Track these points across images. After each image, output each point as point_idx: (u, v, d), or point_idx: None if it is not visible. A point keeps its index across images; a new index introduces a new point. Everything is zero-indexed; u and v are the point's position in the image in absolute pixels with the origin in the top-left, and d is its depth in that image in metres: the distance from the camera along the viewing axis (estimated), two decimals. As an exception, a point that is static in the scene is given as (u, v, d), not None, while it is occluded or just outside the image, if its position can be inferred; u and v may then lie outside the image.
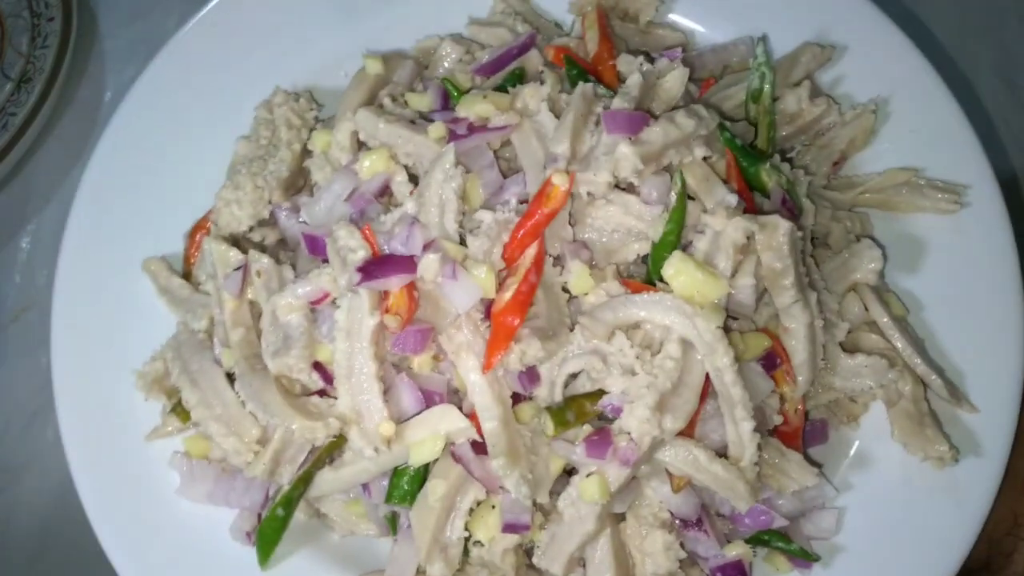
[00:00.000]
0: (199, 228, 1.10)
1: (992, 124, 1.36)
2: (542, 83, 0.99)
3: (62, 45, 1.42)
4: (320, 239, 0.95)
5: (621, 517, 0.93)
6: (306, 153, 1.10)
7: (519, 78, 1.06)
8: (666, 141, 0.90)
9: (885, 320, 0.99)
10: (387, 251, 0.90)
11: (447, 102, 1.05)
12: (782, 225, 0.90)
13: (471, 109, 0.97)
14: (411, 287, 0.87)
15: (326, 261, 0.94)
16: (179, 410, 1.02)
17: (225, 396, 0.95)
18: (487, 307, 0.88)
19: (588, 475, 0.85)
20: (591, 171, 0.89)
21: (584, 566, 0.91)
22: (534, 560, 0.91)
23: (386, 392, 0.88)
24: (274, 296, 0.94)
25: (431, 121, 0.99)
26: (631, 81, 0.96)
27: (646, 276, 0.92)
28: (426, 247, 0.88)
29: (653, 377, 0.84)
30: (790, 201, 0.97)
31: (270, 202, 1.07)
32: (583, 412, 0.88)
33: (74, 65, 1.45)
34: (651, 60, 1.05)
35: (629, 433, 0.84)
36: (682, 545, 0.91)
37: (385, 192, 0.98)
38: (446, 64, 1.12)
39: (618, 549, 0.90)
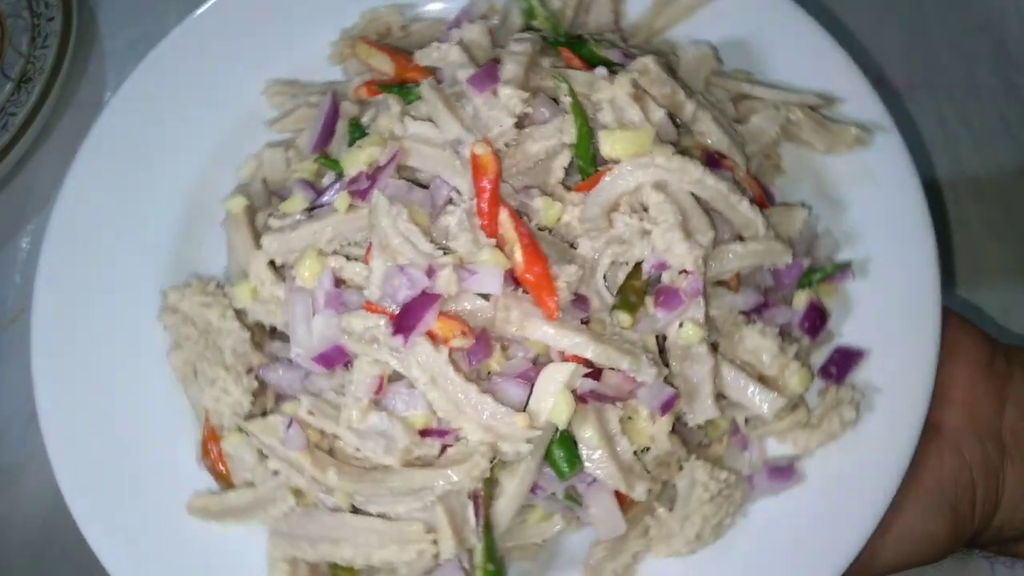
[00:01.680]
0: (209, 441, 1.01)
1: (992, 124, 1.36)
2: (388, 109, 1.02)
3: (62, 45, 1.42)
4: (331, 354, 0.93)
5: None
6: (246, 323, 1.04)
7: (358, 128, 1.04)
8: (518, 69, 0.98)
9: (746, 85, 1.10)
10: (397, 308, 0.90)
11: (313, 188, 1.04)
12: (648, 60, 1.01)
13: (358, 163, 0.97)
14: (444, 313, 0.89)
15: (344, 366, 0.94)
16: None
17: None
18: (512, 278, 0.90)
19: (680, 327, 0.92)
20: (492, 131, 0.95)
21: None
22: (688, 421, 0.94)
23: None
24: (343, 415, 0.91)
25: (316, 207, 1.00)
26: (452, 54, 1.04)
27: (585, 175, 0.97)
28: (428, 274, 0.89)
29: (664, 220, 0.92)
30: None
31: (250, 371, 1.01)
32: (637, 290, 0.93)
33: (74, 65, 1.45)
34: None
35: (683, 270, 0.91)
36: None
37: (340, 283, 0.97)
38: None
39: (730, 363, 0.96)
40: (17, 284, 1.37)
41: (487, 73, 0.97)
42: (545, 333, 0.89)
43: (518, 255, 0.90)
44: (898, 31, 1.44)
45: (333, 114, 1.09)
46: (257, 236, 1.02)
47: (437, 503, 0.88)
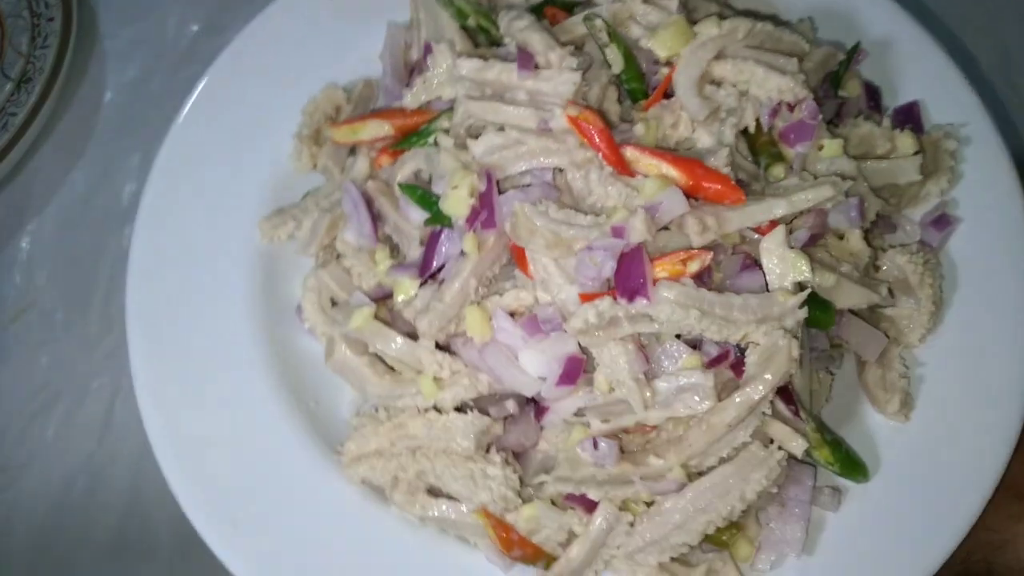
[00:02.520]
0: (503, 532, 0.93)
1: (992, 124, 1.36)
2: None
3: (62, 45, 1.42)
4: (569, 369, 0.91)
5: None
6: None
7: (415, 189, 1.02)
8: (542, 33, 1.01)
9: None
10: (611, 282, 0.90)
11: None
12: None
13: (463, 201, 0.94)
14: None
15: None
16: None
17: None
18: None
19: (821, 150, 0.99)
20: (566, 95, 0.95)
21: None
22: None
23: None
24: (636, 406, 0.89)
25: (434, 274, 0.99)
26: (464, 67, 1.01)
27: (637, 96, 1.00)
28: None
29: (749, 73, 0.98)
30: None
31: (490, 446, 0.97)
32: (768, 143, 1.01)
33: (74, 65, 1.44)
34: None
35: (790, 104, 0.98)
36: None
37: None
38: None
39: None
40: (17, 284, 1.37)
41: (521, 56, 0.96)
42: (747, 215, 0.90)
43: (672, 172, 0.90)
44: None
45: (365, 201, 1.04)
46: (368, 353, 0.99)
47: (770, 420, 0.90)
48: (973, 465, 0.93)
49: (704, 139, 0.96)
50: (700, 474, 0.89)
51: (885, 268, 1.00)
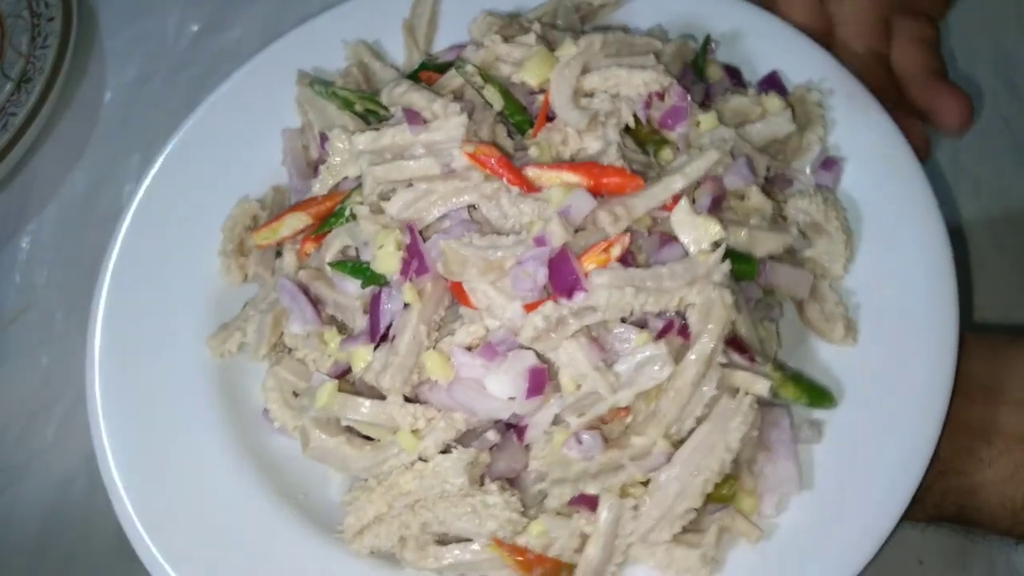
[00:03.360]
0: (519, 556, 0.93)
1: (992, 124, 1.36)
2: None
3: (62, 45, 1.42)
4: (534, 382, 0.94)
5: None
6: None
7: (346, 264, 1.05)
8: (420, 91, 1.08)
9: None
10: (547, 289, 0.94)
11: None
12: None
13: (392, 256, 0.99)
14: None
15: None
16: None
17: None
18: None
19: (698, 125, 1.05)
20: (455, 138, 1.01)
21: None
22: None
23: None
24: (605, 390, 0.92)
25: (385, 337, 1.01)
26: (361, 141, 1.07)
27: (524, 128, 1.08)
28: None
29: (614, 76, 1.06)
30: None
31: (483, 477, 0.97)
32: (648, 133, 1.07)
33: (74, 65, 1.45)
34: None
35: (658, 93, 1.04)
36: None
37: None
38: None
39: None
40: (17, 284, 1.37)
41: (409, 116, 1.02)
42: (651, 197, 0.97)
43: (572, 177, 0.97)
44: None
45: (301, 291, 1.06)
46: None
47: (731, 372, 0.94)
48: (925, 379, 0.96)
49: (593, 144, 1.02)
50: (683, 441, 0.92)
51: (791, 215, 1.07)
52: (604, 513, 0.90)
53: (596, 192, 0.96)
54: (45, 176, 1.43)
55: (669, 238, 0.97)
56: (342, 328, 1.07)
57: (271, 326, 1.07)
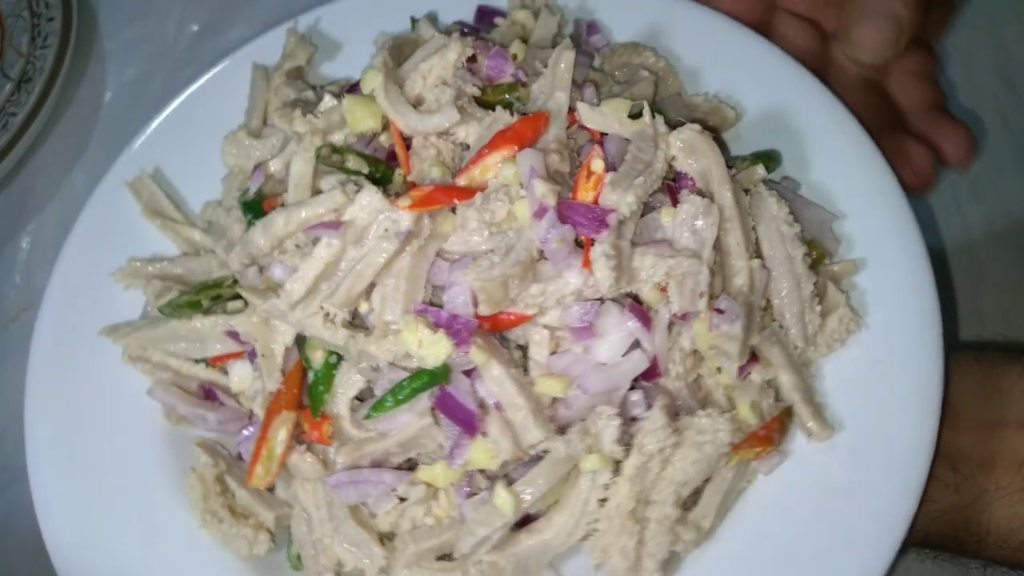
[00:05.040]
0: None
1: (992, 125, 1.36)
2: None
3: (62, 45, 1.42)
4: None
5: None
6: None
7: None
8: (317, 206, 0.98)
9: None
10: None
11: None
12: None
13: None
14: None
15: None
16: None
17: None
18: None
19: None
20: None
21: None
22: None
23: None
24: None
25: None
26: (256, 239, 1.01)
27: None
28: None
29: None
30: None
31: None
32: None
33: (74, 65, 1.45)
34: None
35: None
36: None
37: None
38: None
39: None
40: (17, 284, 1.37)
41: (326, 224, 0.95)
42: (563, 116, 0.99)
43: (504, 152, 0.94)
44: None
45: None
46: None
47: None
48: (913, 406, 0.92)
49: (468, 130, 1.00)
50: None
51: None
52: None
53: (526, 146, 0.93)
54: (45, 176, 1.43)
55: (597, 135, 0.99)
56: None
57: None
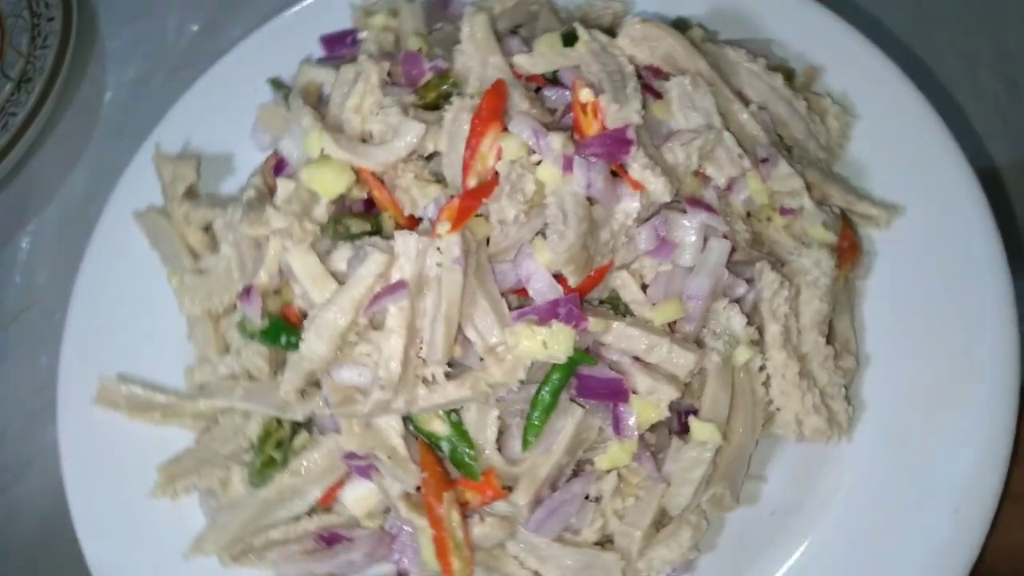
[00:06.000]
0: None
1: (992, 125, 1.36)
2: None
3: (62, 45, 1.42)
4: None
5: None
6: None
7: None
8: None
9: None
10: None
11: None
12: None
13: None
14: None
15: None
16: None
17: None
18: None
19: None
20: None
21: None
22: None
23: None
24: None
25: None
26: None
27: None
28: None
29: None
30: None
31: None
32: None
33: (74, 65, 1.45)
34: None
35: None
36: None
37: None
38: None
39: None
40: (17, 284, 1.37)
41: (386, 291, 0.89)
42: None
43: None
44: (898, 31, 1.44)
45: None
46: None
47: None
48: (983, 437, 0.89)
49: (438, 136, 0.95)
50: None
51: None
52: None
53: (497, 116, 0.90)
54: (45, 176, 1.43)
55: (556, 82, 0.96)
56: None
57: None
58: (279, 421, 0.96)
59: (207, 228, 1.11)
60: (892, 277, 0.98)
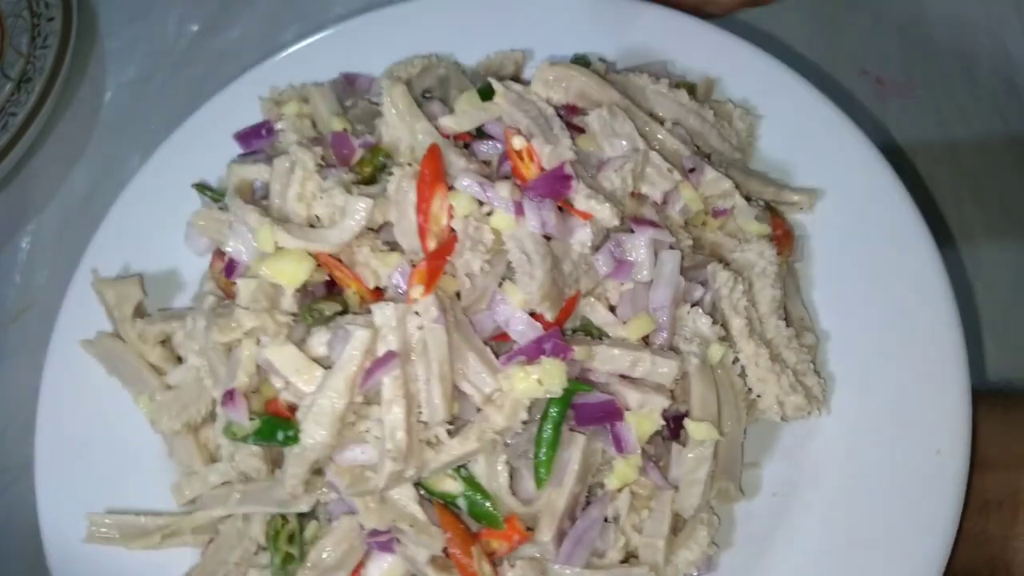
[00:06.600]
0: None
1: (992, 125, 1.36)
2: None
3: (62, 45, 1.42)
4: None
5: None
6: None
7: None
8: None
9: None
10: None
11: None
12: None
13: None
14: None
15: None
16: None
17: None
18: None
19: None
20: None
21: None
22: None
23: None
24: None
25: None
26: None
27: None
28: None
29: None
30: None
31: None
32: None
33: (74, 65, 1.45)
34: None
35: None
36: None
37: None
38: None
39: None
40: (17, 284, 1.37)
41: (376, 365, 0.88)
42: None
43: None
44: (898, 31, 1.44)
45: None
46: None
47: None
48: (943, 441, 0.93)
49: (385, 207, 0.97)
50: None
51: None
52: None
53: (440, 177, 0.93)
54: (45, 176, 1.43)
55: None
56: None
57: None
58: (284, 517, 0.95)
59: (163, 342, 1.10)
60: (828, 256, 1.05)
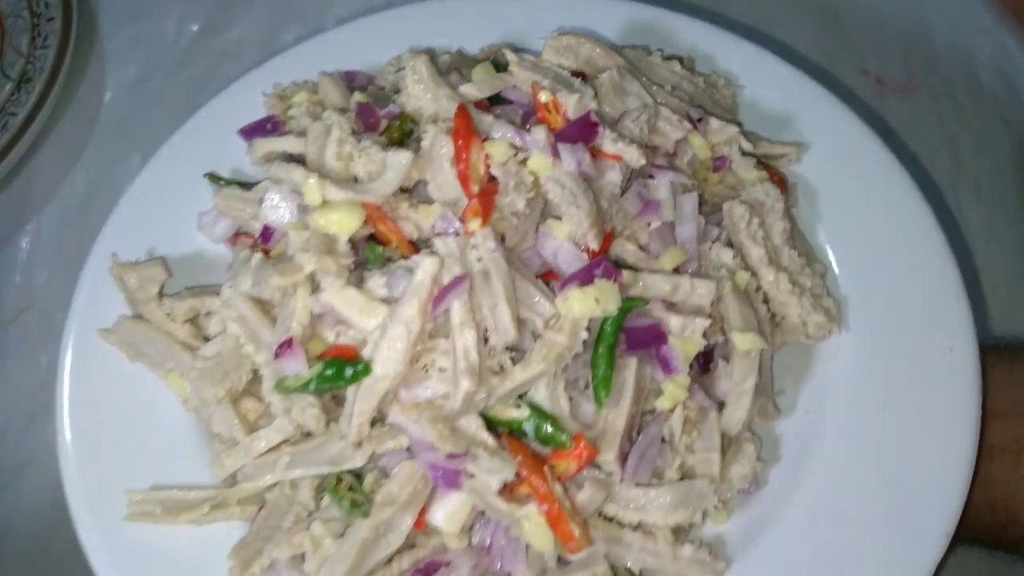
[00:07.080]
0: None
1: (992, 124, 1.37)
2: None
3: (62, 45, 1.42)
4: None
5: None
6: None
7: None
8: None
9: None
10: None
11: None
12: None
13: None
14: None
15: None
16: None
17: None
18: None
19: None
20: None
21: None
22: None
23: None
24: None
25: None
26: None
27: None
28: None
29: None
30: None
31: None
32: None
33: (74, 65, 1.44)
34: None
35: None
36: None
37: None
38: None
39: None
40: (17, 284, 1.37)
41: (446, 290, 0.91)
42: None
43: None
44: (898, 31, 1.44)
45: None
46: None
47: None
48: (952, 398, 0.98)
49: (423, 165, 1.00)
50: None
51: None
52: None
53: (473, 130, 0.96)
54: (45, 176, 1.43)
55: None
56: None
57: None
58: (337, 478, 0.94)
59: (190, 320, 1.09)
60: (826, 203, 1.12)
